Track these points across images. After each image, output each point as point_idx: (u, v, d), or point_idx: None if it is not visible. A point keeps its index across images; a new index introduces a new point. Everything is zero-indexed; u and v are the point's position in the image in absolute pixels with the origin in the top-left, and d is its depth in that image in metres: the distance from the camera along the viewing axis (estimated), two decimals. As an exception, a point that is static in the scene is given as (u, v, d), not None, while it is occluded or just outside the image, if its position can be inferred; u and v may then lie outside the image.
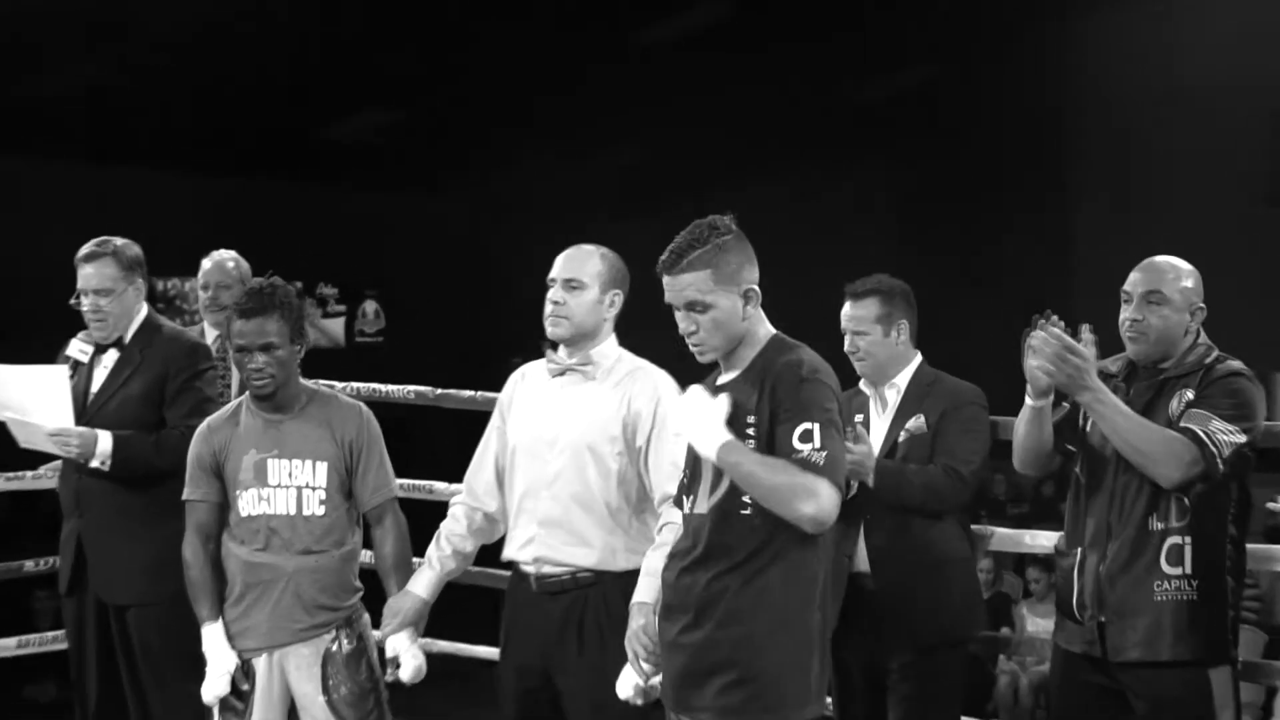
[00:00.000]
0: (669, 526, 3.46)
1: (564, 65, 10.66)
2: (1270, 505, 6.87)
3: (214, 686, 3.79)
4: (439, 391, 5.16)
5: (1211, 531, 3.47)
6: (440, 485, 4.99)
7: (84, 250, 4.38)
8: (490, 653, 4.97)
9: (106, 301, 4.34)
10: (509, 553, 3.73)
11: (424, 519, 4.06)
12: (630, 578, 3.57)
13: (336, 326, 12.36)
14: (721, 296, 3.04)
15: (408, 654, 3.75)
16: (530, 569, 3.68)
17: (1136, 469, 3.45)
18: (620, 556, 3.62)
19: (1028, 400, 3.63)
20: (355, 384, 5.17)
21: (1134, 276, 3.60)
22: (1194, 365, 3.52)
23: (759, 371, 3.03)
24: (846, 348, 4.07)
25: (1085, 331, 3.54)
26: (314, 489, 3.82)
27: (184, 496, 3.92)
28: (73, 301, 4.38)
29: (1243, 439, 3.40)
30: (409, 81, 10.89)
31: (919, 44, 10.54)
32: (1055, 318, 3.50)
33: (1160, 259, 3.62)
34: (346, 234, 11.53)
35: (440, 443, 5.84)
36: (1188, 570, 3.45)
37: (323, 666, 3.81)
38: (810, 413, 2.95)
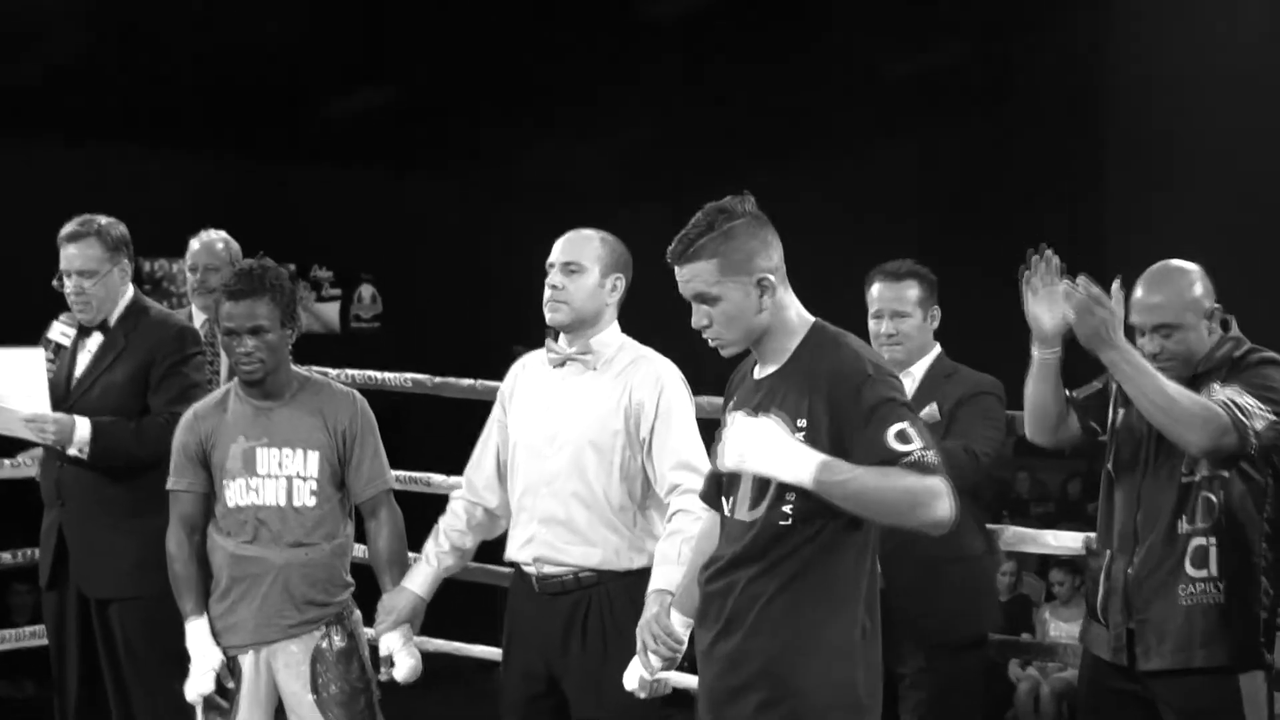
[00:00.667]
0: (681, 514, 3.40)
1: (569, 42, 10.59)
2: None
3: (198, 684, 3.70)
4: (437, 380, 5.12)
5: (1243, 531, 3.37)
6: (438, 477, 4.97)
7: (67, 229, 4.29)
8: (488, 653, 4.89)
9: (90, 283, 4.24)
10: (510, 552, 3.66)
11: (421, 512, 3.98)
12: (634, 577, 3.52)
13: (331, 311, 12.27)
14: (731, 288, 2.84)
15: (402, 653, 3.68)
16: (531, 569, 3.60)
17: (1163, 465, 3.35)
18: (624, 556, 3.54)
19: (1033, 352, 3.51)
20: (351, 371, 5.14)
21: (1137, 306, 3.42)
22: (1223, 360, 3.41)
23: (805, 368, 2.83)
24: (882, 329, 3.97)
25: (1116, 286, 3.38)
26: (305, 479, 3.74)
27: (168, 486, 3.83)
28: (55, 283, 4.29)
29: (1274, 417, 3.27)
30: (408, 59, 10.83)
31: (948, 19, 10.43)
32: (1051, 252, 3.39)
33: (1158, 279, 3.45)
34: (343, 216, 11.47)
35: (438, 433, 5.72)
36: (1214, 573, 3.35)
37: (312, 664, 3.72)
38: (894, 410, 2.75)
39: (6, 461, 4.98)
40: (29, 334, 4.40)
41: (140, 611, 4.17)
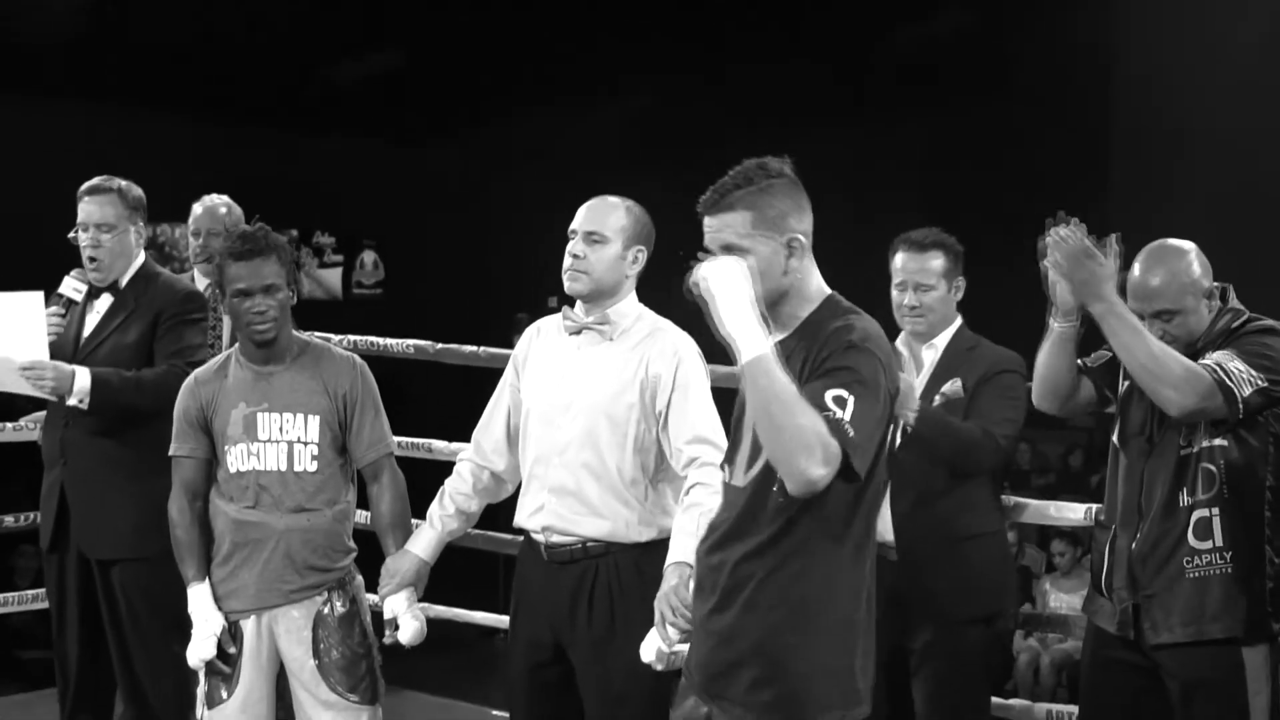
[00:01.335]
0: (699, 487, 3.35)
1: (571, 9, 10.52)
2: None
3: (200, 649, 3.69)
4: (440, 346, 5.10)
5: (1246, 500, 3.34)
6: (439, 444, 4.93)
7: (88, 184, 4.29)
8: (490, 619, 4.88)
9: (108, 237, 4.24)
10: (519, 520, 3.63)
11: (421, 478, 3.98)
12: (642, 549, 3.49)
13: (333, 277, 12.25)
14: (760, 242, 2.78)
15: (406, 616, 3.65)
16: (540, 538, 3.57)
17: (1165, 438, 3.33)
18: (633, 529, 3.50)
19: (1051, 323, 3.47)
20: (353, 337, 5.13)
21: (1136, 289, 3.39)
22: (1221, 331, 3.39)
23: (810, 335, 2.78)
24: (906, 300, 3.92)
25: (1113, 241, 3.34)
26: (306, 444, 3.72)
27: (170, 452, 3.81)
28: (71, 235, 4.27)
29: (1264, 384, 3.25)
30: (411, 27, 10.77)
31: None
32: (1078, 221, 3.33)
33: (1152, 261, 3.41)
34: (345, 182, 11.43)
35: (439, 399, 5.73)
36: (1219, 543, 3.32)
37: (313, 629, 3.71)
38: (850, 382, 2.68)
39: (9, 425, 4.97)
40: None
41: (142, 573, 4.16)
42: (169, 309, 4.26)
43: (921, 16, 10.48)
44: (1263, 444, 3.34)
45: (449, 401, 4.57)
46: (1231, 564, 3.31)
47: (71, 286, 4.27)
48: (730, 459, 2.90)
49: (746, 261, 2.74)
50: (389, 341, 5.13)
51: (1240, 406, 3.23)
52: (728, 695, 2.82)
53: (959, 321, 3.97)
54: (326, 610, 3.72)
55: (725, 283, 2.68)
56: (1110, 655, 3.48)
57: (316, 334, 4.33)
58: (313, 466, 3.72)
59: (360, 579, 3.84)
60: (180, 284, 4.44)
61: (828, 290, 2.87)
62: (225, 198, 5.22)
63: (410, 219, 11.85)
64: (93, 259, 4.24)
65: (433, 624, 3.80)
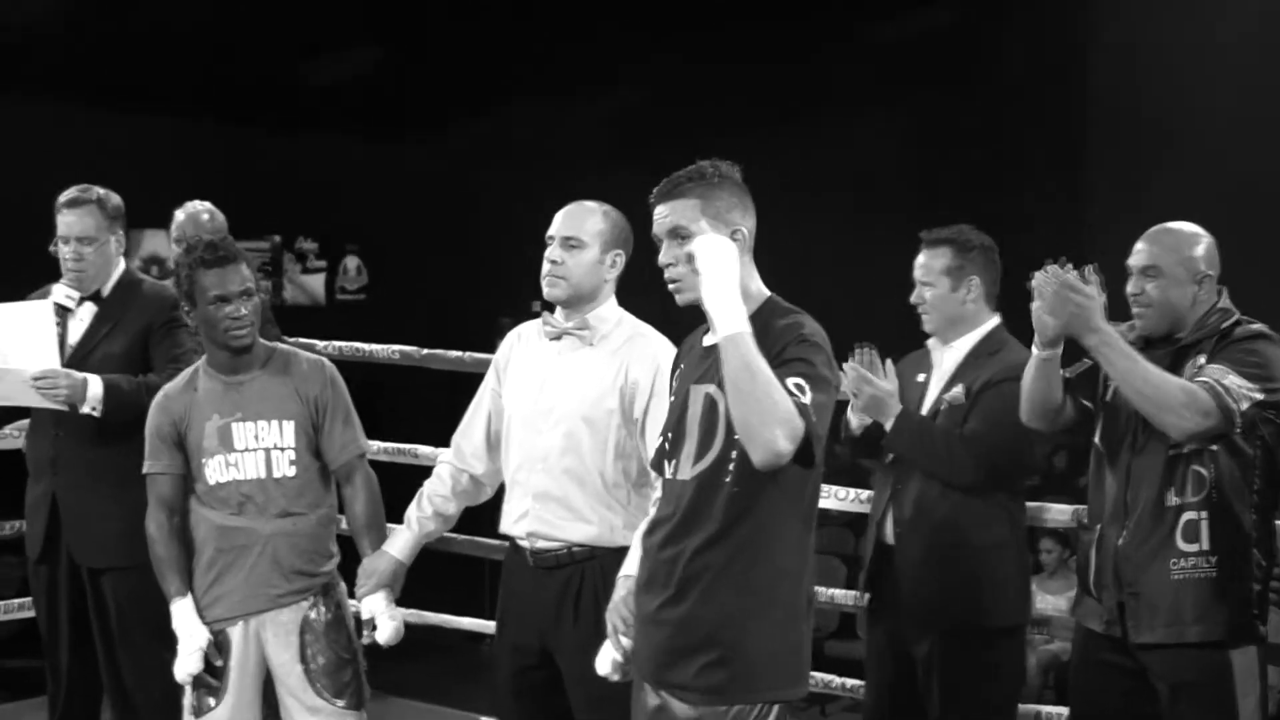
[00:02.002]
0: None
1: (555, 6, 10.49)
2: None
3: (186, 664, 3.68)
4: (425, 351, 5.09)
5: (1233, 504, 3.34)
6: (425, 449, 4.90)
7: (66, 196, 4.26)
8: (476, 624, 4.87)
9: (90, 250, 4.22)
10: (504, 526, 3.63)
11: (409, 484, 3.92)
12: (628, 553, 3.43)
13: (316, 283, 12.17)
14: (706, 228, 2.88)
15: (384, 616, 3.66)
16: (525, 543, 3.58)
17: (1151, 437, 3.32)
18: (618, 533, 3.50)
19: (1034, 350, 3.46)
20: (338, 343, 5.11)
21: (1135, 248, 3.45)
22: (1211, 331, 3.39)
23: (758, 333, 2.80)
24: (913, 298, 3.91)
25: (1090, 271, 3.34)
26: (283, 449, 3.72)
27: (144, 470, 3.79)
28: (52, 248, 4.25)
29: (1260, 397, 3.25)
30: (391, 27, 10.74)
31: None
32: (1063, 260, 3.33)
33: (1162, 229, 3.45)
34: (327, 187, 11.38)
35: (424, 405, 5.71)
36: (1205, 546, 3.32)
37: (300, 635, 3.71)
38: (806, 374, 2.77)
39: (-8, 432, 4.95)
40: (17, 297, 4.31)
41: (133, 581, 4.14)
42: (160, 317, 4.24)
43: (897, 13, 10.47)
44: (1251, 449, 3.34)
45: (433, 407, 4.55)
46: (1216, 569, 3.32)
47: (64, 294, 4.24)
48: (672, 455, 2.95)
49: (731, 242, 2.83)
50: (374, 347, 5.10)
51: (1237, 420, 3.23)
52: (678, 681, 2.89)
53: (991, 323, 3.88)
54: (313, 615, 3.72)
55: (716, 259, 2.78)
56: (1099, 658, 3.47)
57: (302, 340, 4.32)
58: (291, 471, 3.71)
59: (344, 585, 3.84)
60: (166, 291, 4.40)
61: (768, 292, 2.96)
62: (207, 204, 5.21)
63: (394, 224, 11.81)
64: (75, 271, 4.22)
65: (419, 630, 3.80)
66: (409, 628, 3.73)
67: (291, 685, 3.69)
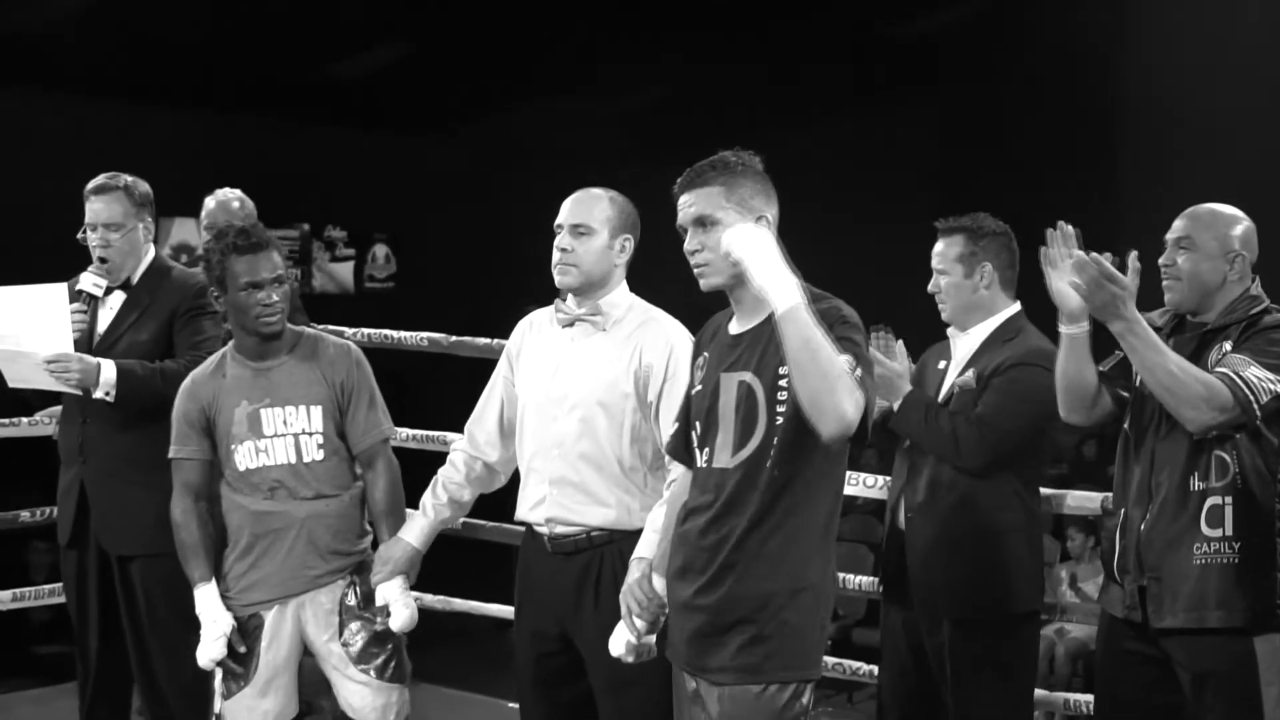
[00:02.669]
0: (679, 482, 3.34)
1: (579, 4, 10.49)
2: None
3: (209, 650, 3.70)
4: (453, 339, 5.10)
5: (1258, 491, 3.32)
6: (454, 436, 4.85)
7: (94, 183, 4.27)
8: (498, 610, 4.87)
9: (117, 236, 4.23)
10: (521, 513, 3.64)
11: (436, 470, 3.93)
12: None
13: (345, 271, 12.23)
14: (733, 215, 2.92)
15: (398, 603, 3.69)
16: (543, 529, 3.59)
17: (1176, 425, 3.29)
18: (636, 516, 3.50)
19: (1061, 329, 3.42)
20: (366, 330, 5.12)
21: (1174, 223, 3.46)
22: (1239, 317, 3.37)
23: None
24: (930, 287, 3.91)
25: (1132, 259, 3.31)
26: (311, 434, 3.74)
27: (170, 455, 3.81)
28: (80, 236, 4.26)
29: None
30: (422, 19, 10.75)
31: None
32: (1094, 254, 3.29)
33: (1203, 206, 3.46)
34: (357, 176, 11.42)
35: (453, 392, 5.71)
36: (1229, 532, 3.30)
37: (339, 614, 3.74)
38: (855, 354, 2.82)
39: (24, 420, 4.96)
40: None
41: (161, 568, 4.14)
42: (184, 303, 4.25)
43: (927, 10, 10.45)
44: (1276, 437, 3.32)
45: (462, 393, 4.56)
46: (1239, 554, 3.30)
47: (91, 282, 4.24)
48: (704, 443, 2.98)
49: (760, 227, 2.88)
50: (402, 334, 5.12)
51: (1257, 413, 3.22)
52: (715, 664, 2.92)
53: (1009, 311, 3.87)
54: (350, 593, 3.75)
55: (752, 243, 2.82)
56: (1123, 647, 3.46)
57: (330, 327, 4.33)
58: (319, 455, 3.74)
59: None
60: (193, 278, 4.41)
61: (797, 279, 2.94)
62: (238, 191, 5.21)
63: (422, 212, 11.85)
64: (103, 259, 4.23)
65: (447, 616, 3.81)
66: (437, 614, 3.76)
67: (334, 662, 3.73)
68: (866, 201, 10.07)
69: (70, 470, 4.31)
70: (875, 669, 4.46)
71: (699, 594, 2.95)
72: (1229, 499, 3.30)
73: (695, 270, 2.96)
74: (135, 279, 4.28)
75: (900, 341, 3.90)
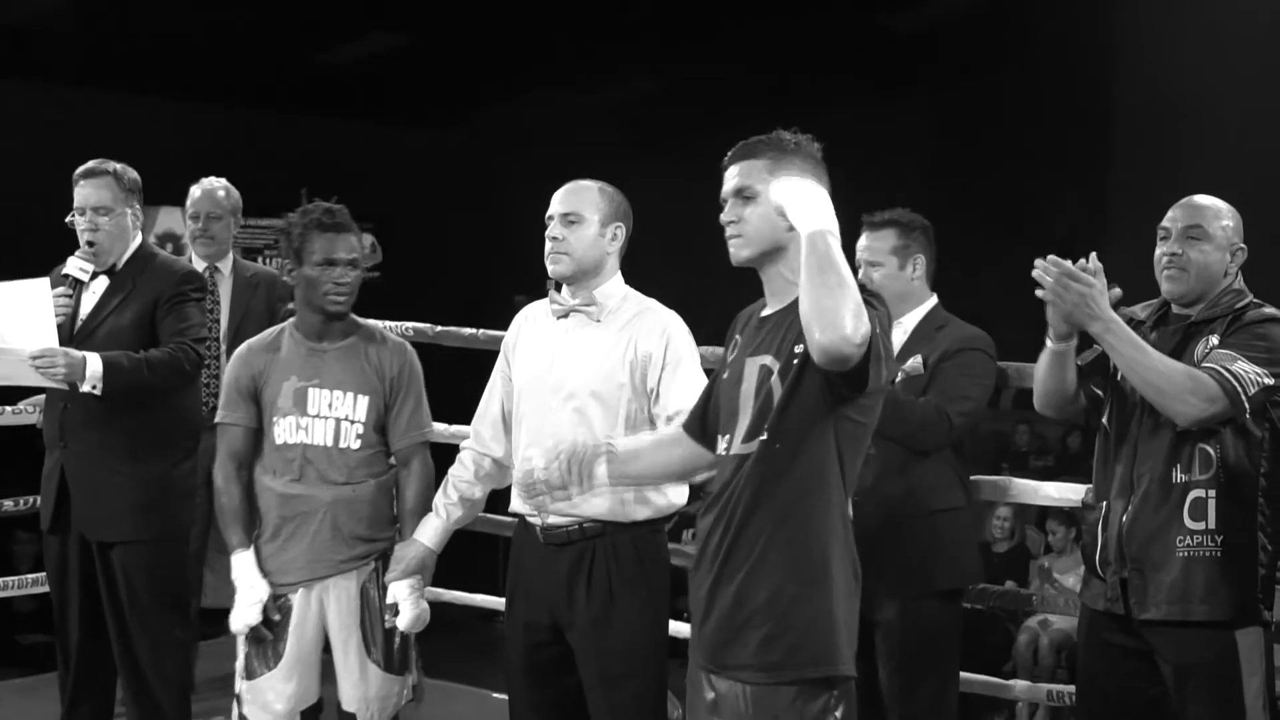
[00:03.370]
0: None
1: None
2: None
3: (245, 615, 3.71)
4: (438, 329, 5.12)
5: (1241, 485, 3.33)
6: (439, 426, 4.87)
7: (83, 168, 4.27)
8: (491, 602, 4.87)
9: (105, 220, 4.22)
10: (515, 504, 3.63)
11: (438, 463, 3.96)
12: (639, 528, 3.52)
13: (333, 260, 12.21)
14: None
15: (408, 602, 3.71)
16: (535, 520, 3.58)
17: (1160, 416, 3.30)
18: (629, 507, 3.51)
19: (1047, 342, 3.46)
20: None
21: (1172, 213, 3.46)
22: (1224, 310, 3.38)
23: None
24: (859, 278, 3.88)
25: (1092, 259, 3.32)
26: (353, 422, 3.77)
27: (217, 419, 3.85)
28: (68, 220, 4.25)
29: (1270, 382, 3.25)
30: (411, 8, 10.73)
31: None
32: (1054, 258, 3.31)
33: (1201, 197, 3.48)
34: (342, 164, 11.38)
35: (437, 382, 5.71)
36: (1211, 525, 3.31)
37: (361, 599, 3.76)
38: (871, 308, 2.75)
39: (8, 409, 4.95)
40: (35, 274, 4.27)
41: (142, 555, 4.16)
42: (169, 290, 4.24)
43: (925, 2, 10.45)
44: (1260, 431, 3.33)
45: (446, 384, 4.55)
46: (1222, 548, 3.30)
47: (77, 266, 4.21)
48: (729, 430, 2.90)
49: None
50: (387, 324, 5.08)
51: (1245, 405, 3.23)
52: (736, 662, 2.83)
53: (932, 301, 3.96)
54: (372, 581, 3.77)
55: (799, 186, 2.76)
56: (1105, 639, 3.47)
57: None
58: (356, 444, 3.76)
59: None
60: (178, 264, 4.43)
61: None
62: (223, 180, 5.21)
63: (408, 201, 11.83)
64: (90, 243, 4.21)
65: (433, 608, 3.81)
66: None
67: (352, 649, 3.74)
68: (861, 195, 10.08)
69: (52, 455, 4.29)
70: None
71: (714, 588, 2.87)
72: (1212, 492, 3.31)
73: (729, 241, 2.89)
74: (120, 264, 4.27)
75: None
